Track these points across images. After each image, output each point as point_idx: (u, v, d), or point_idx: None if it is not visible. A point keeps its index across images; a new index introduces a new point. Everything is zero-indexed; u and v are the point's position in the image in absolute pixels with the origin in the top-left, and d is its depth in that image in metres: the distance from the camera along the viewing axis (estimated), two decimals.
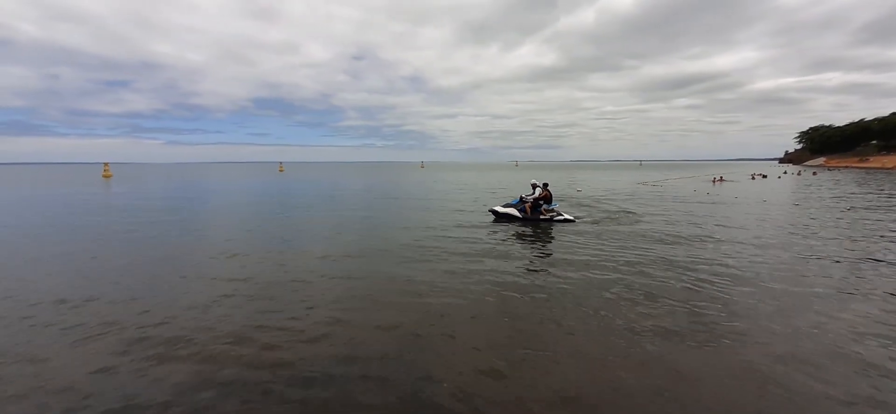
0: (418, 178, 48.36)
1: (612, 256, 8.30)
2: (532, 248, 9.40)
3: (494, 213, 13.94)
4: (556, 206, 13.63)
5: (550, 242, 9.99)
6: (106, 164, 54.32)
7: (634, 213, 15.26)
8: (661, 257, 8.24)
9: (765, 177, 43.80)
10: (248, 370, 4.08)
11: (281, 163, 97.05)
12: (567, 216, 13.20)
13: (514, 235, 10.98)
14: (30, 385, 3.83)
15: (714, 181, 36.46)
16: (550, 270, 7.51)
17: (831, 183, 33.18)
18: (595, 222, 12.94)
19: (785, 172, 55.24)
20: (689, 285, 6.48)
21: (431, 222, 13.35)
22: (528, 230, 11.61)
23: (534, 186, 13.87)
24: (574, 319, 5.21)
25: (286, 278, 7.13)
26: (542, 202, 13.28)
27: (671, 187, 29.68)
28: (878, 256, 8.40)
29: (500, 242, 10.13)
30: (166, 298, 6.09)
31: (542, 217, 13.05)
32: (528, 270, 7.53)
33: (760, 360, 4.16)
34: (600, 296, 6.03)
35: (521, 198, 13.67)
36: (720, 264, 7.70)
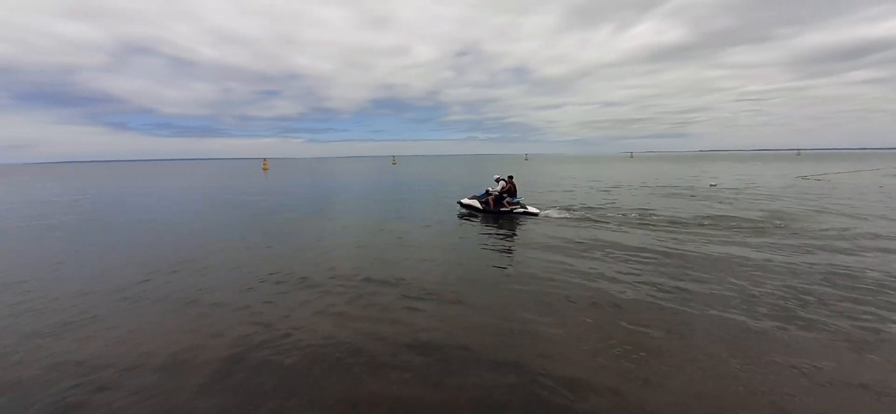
0: (522, 170, 48.00)
1: (752, 271, 7.11)
2: (657, 253, 8.95)
3: (461, 205, 14.42)
4: (520, 198, 13.74)
5: (685, 254, 9.31)
6: (265, 159, 67.63)
7: (789, 214, 13.02)
8: (826, 278, 6.82)
9: None
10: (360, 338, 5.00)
11: (394, 157, 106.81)
12: (531, 210, 13.22)
13: (629, 238, 10.55)
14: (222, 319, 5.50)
15: None
16: (676, 284, 7.08)
17: None
18: (732, 223, 11.44)
19: None
20: (865, 322, 5.01)
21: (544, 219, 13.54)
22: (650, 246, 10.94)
23: (497, 180, 14.08)
24: (695, 341, 4.77)
25: (398, 256, 8.35)
26: (505, 195, 13.51)
27: (845, 183, 23.87)
28: None
29: (615, 244, 9.89)
30: (315, 262, 7.78)
31: (503, 209, 13.29)
32: (650, 280, 7.11)
33: None
34: (739, 321, 5.11)
35: (487, 191, 13.86)
36: None
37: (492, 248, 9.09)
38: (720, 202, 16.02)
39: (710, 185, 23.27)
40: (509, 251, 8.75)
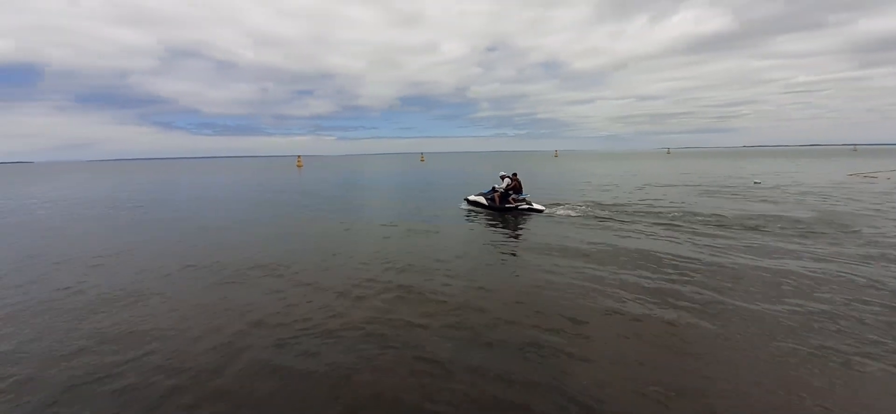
0: (551, 168, 47.11)
1: (800, 283, 6.38)
2: (690, 258, 8.47)
3: (467, 202, 14.72)
4: (525, 195, 13.73)
5: (721, 260, 8.76)
6: (299, 157, 70.02)
7: (842, 215, 12.04)
8: (890, 293, 6.24)
9: None
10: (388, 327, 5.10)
11: (422, 154, 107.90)
12: (537, 206, 13.23)
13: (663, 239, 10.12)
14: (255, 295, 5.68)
15: None
16: (714, 293, 6.74)
17: None
18: (777, 225, 10.66)
19: None
20: None
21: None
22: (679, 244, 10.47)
23: (502, 177, 14.28)
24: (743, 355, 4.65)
25: (428, 251, 8.36)
26: (510, 192, 13.60)
27: None
28: None
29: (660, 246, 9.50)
30: (343, 257, 7.94)
31: (508, 206, 13.37)
32: (681, 290, 6.65)
33: None
34: (785, 346, 4.41)
35: (494, 188, 14.05)
36: None
37: (522, 249, 8.92)
38: (763, 201, 15.07)
39: (754, 183, 21.94)
40: (536, 255, 8.44)
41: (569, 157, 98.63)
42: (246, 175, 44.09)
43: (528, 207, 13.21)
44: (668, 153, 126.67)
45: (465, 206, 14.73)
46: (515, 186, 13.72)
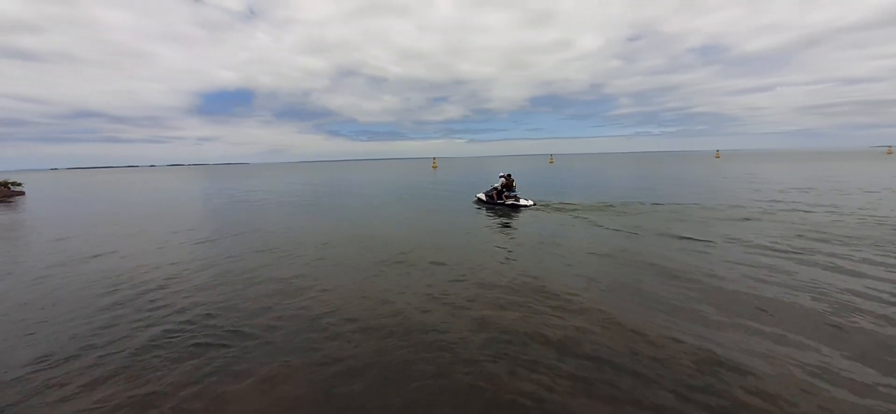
0: (703, 170, 40.83)
1: None
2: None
3: (477, 199, 17.41)
4: (515, 193, 16.04)
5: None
6: (434, 158, 77.17)
7: None
8: None
9: None
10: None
11: (551, 155, 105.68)
12: (525, 202, 15.29)
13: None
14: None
15: None
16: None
17: None
18: None
19: None
20: None
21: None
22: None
23: (500, 177, 16.76)
24: None
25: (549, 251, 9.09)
26: (504, 190, 15.99)
27: None
28: None
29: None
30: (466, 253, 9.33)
31: (497, 201, 15.85)
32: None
33: None
34: None
35: (493, 186, 16.75)
36: None
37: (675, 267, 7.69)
38: None
39: None
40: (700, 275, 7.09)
41: (736, 158, 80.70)
42: (398, 175, 51.38)
43: (514, 202, 15.32)
44: (889, 153, 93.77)
45: (475, 201, 17.51)
46: (508, 185, 16.33)
